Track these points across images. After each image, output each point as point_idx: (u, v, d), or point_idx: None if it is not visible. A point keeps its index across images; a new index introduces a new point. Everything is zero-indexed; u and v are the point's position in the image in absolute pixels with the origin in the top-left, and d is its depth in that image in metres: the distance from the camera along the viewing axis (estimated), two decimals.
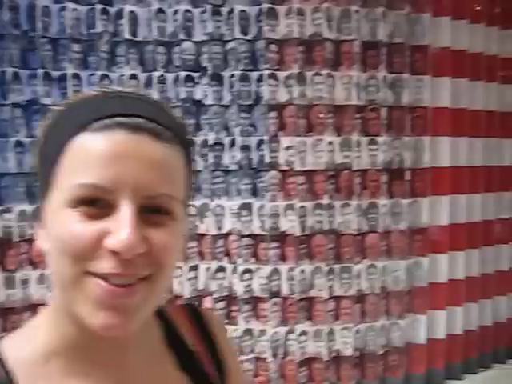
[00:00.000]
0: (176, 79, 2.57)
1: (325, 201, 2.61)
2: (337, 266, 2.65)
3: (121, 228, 0.59)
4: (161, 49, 2.57)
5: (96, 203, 0.60)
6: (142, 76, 2.58)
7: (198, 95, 2.61)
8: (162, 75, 2.58)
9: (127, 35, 2.52)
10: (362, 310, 2.68)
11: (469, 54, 2.84)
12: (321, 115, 2.61)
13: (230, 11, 2.57)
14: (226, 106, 2.62)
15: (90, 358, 0.67)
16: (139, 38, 2.56)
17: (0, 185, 2.44)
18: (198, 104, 2.60)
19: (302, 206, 2.61)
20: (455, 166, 2.82)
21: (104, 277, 0.60)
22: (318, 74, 2.60)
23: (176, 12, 2.55)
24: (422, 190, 2.74)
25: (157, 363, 0.72)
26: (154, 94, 2.56)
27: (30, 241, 2.40)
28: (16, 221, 2.43)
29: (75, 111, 0.64)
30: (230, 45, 2.59)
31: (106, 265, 0.60)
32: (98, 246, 0.60)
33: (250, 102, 2.62)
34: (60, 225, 0.61)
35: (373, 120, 2.67)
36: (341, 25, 2.61)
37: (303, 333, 2.65)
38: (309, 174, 2.62)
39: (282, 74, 2.61)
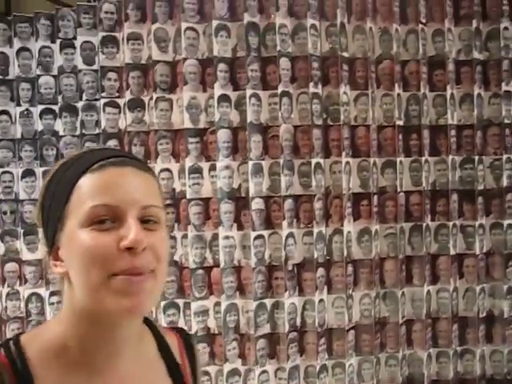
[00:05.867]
0: (39, 113, 2.70)
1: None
2: None
3: (130, 231, 0.80)
4: (24, 85, 2.72)
5: (103, 222, 0.81)
6: (13, 111, 2.76)
7: (57, 127, 2.69)
8: (27, 109, 2.73)
9: None
10: None
11: None
12: (159, 141, 2.47)
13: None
14: (79, 136, 2.65)
15: (96, 353, 0.85)
16: (10, 77, 2.75)
17: None
18: (57, 135, 2.69)
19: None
20: None
21: (125, 273, 0.80)
22: (152, 98, 2.48)
23: (36, 49, 2.68)
24: None
25: (149, 367, 0.94)
26: (20, 128, 2.72)
27: None
28: None
29: (73, 164, 0.86)
30: (79, 76, 2.63)
31: (124, 263, 0.80)
32: (115, 250, 0.80)
33: (96, 132, 2.61)
34: (80, 242, 0.81)
35: (212, 144, 2.43)
36: (176, 44, 2.46)
37: None
38: None
39: (120, 101, 2.55)
